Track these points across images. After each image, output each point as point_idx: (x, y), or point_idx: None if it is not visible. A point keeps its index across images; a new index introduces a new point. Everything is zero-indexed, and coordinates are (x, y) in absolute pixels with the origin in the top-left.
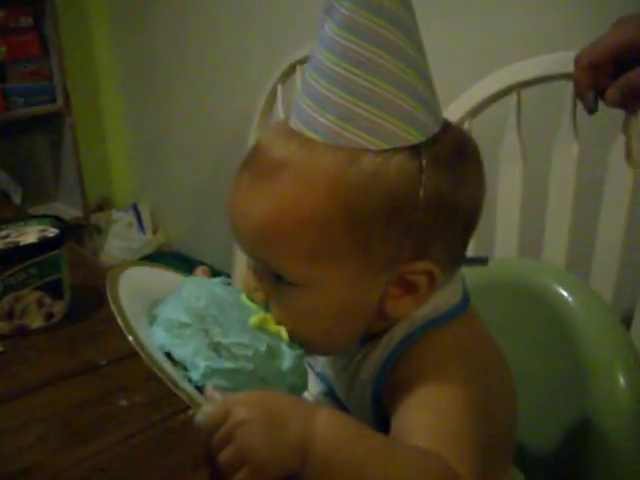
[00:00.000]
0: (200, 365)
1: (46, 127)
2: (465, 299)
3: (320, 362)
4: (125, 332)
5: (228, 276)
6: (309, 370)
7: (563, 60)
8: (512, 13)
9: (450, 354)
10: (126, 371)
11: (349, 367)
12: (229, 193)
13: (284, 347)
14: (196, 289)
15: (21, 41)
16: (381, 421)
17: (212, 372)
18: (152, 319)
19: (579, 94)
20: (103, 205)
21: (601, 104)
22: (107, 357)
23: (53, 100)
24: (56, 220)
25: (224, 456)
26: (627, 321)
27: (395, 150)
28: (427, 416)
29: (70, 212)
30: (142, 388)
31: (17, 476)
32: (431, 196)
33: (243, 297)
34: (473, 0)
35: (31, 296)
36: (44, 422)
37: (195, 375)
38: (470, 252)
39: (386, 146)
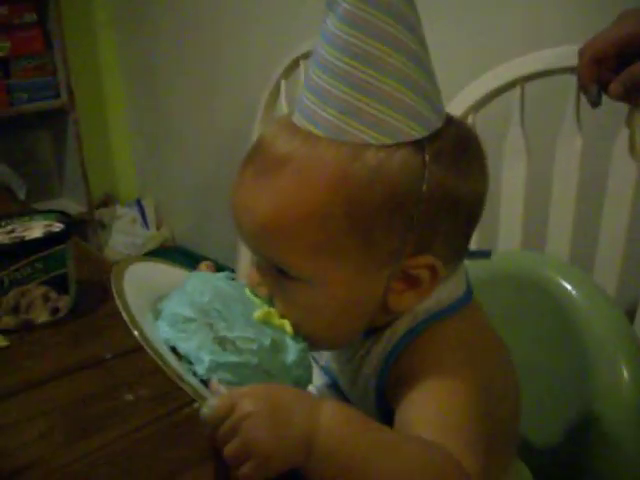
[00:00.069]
0: (205, 359)
1: (50, 123)
2: (468, 292)
3: (324, 355)
4: (130, 327)
5: (232, 271)
6: (313, 363)
7: (566, 54)
8: (514, 7)
9: (452, 347)
10: (131, 365)
11: (352, 360)
12: (232, 188)
13: (288, 341)
14: (200, 284)
15: (25, 37)
16: (385, 413)
17: (217, 366)
18: (157, 314)
19: (582, 88)
20: (107, 201)
21: (604, 98)
22: (112, 351)
23: (57, 96)
24: (61, 215)
25: (229, 449)
26: (630, 314)
27: (398, 145)
28: (430, 409)
29: (74, 208)
30: (147, 382)
31: (22, 470)
32: (434, 191)
33: (247, 292)
34: None
35: (37, 291)
36: (49, 416)
37: (200, 369)
38: (473, 246)
39: (389, 141)
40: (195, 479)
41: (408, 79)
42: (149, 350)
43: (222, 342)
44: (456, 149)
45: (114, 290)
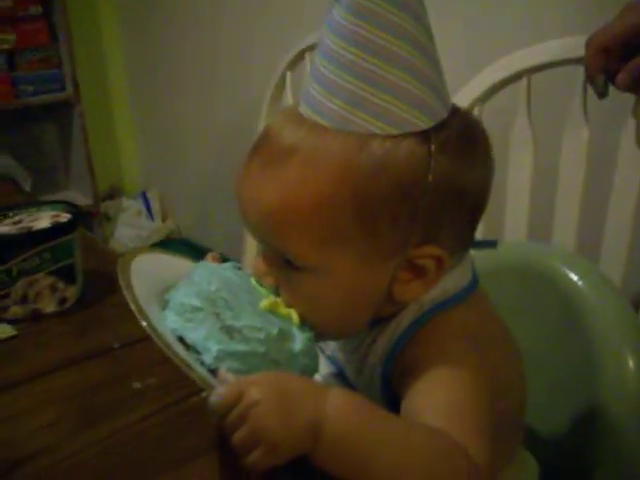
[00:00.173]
0: (212, 348)
1: (55, 115)
2: (474, 281)
3: (330, 345)
4: (138, 317)
5: (238, 262)
6: (319, 352)
7: (573, 45)
8: None
9: (457, 336)
10: (139, 354)
11: (358, 350)
12: (238, 178)
13: (295, 330)
14: (207, 274)
15: (30, 29)
16: (391, 402)
17: (225, 355)
18: (164, 304)
19: (589, 78)
20: (112, 193)
21: (611, 89)
22: (120, 340)
23: (62, 88)
24: (69, 205)
25: (237, 437)
26: (636, 304)
27: (404, 135)
28: (436, 397)
29: (80, 200)
30: (155, 371)
31: (30, 458)
32: (440, 181)
33: (253, 282)
34: None
35: (44, 281)
36: (57, 405)
37: (208, 358)
38: (479, 236)
39: (395, 131)
40: (203, 467)
41: (414, 69)
42: (157, 340)
43: (229, 331)
44: (462, 139)
45: (121, 281)
